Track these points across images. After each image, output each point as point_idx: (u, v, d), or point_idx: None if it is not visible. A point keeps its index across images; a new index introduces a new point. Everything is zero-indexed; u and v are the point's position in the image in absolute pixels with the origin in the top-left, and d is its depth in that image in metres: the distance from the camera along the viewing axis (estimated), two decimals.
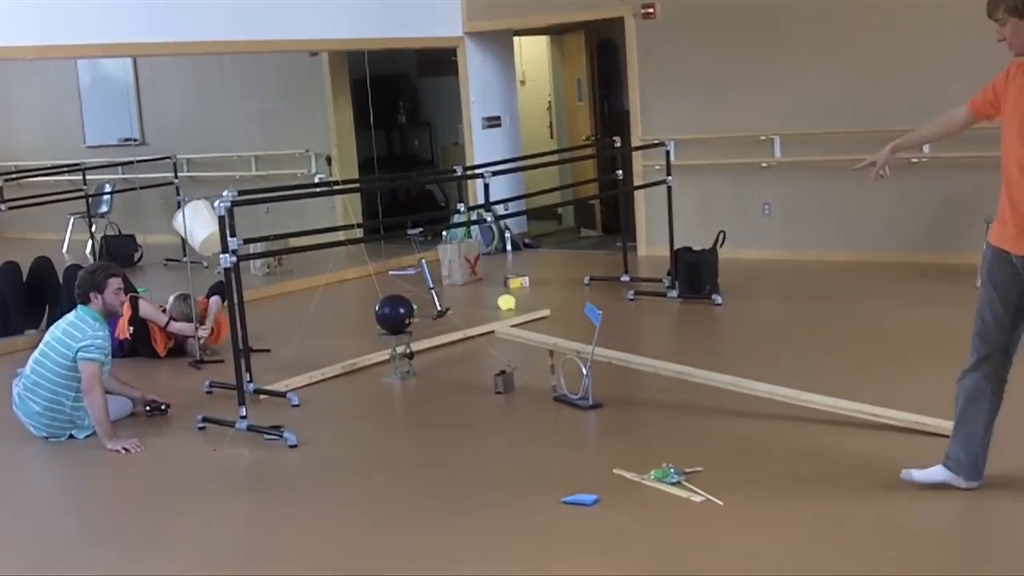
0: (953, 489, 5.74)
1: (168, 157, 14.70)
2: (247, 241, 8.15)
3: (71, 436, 7.93)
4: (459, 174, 11.19)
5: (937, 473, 5.78)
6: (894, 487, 5.84)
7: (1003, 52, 5.35)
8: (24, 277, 11.26)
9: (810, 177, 12.83)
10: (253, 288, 11.56)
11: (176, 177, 14.52)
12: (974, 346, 5.63)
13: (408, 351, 9.04)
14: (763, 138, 13.15)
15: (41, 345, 8.00)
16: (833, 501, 5.87)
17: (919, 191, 11.41)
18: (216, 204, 7.72)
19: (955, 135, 6.03)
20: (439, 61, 16.50)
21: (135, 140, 15.57)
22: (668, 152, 11.62)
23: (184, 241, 10.47)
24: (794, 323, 10.27)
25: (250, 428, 7.68)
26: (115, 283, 8.03)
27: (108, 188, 15.62)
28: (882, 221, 12.17)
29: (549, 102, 18.10)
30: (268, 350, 9.80)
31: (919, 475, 5.81)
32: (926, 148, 5.35)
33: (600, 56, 16.53)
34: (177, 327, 10.10)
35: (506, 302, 11.45)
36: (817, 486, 6.10)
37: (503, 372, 8.42)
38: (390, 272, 12.92)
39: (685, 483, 6.15)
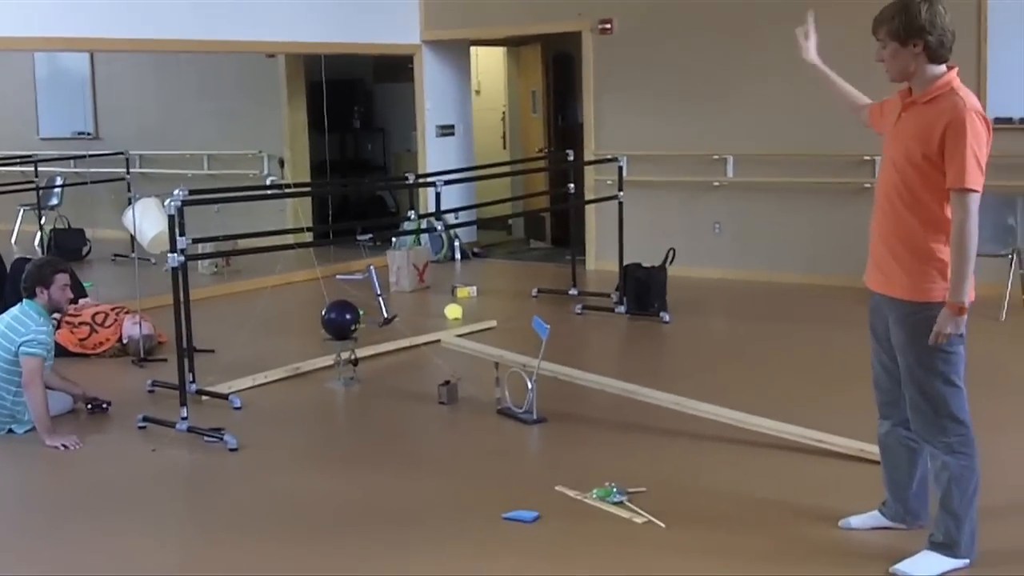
0: None
1: (121, 153, 14.64)
2: (196, 240, 8.14)
3: (10, 431, 7.86)
4: (411, 181, 11.16)
5: (874, 519, 5.75)
6: (837, 515, 5.84)
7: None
8: None
9: (762, 197, 12.88)
10: (199, 287, 11.47)
11: (128, 173, 14.46)
12: (875, 396, 5.61)
13: (353, 357, 9.01)
14: (716, 157, 13.18)
15: None
16: (776, 528, 5.87)
17: (870, 214, 11.42)
18: (166, 203, 7.68)
19: (845, 109, 5.87)
20: (395, 67, 16.46)
21: (89, 134, 15.49)
22: (621, 168, 11.62)
23: (133, 237, 10.43)
24: (741, 344, 10.29)
25: (190, 429, 7.65)
26: (62, 279, 7.99)
27: (59, 181, 15.52)
28: (833, 244, 12.22)
29: (503, 113, 18.11)
30: (212, 351, 9.75)
31: (857, 522, 5.76)
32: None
33: (556, 69, 16.55)
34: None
35: (453, 311, 11.43)
36: (761, 512, 6.10)
37: (447, 382, 8.40)
38: (337, 276, 12.87)
39: (628, 503, 6.14)
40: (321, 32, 13.81)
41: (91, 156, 14.02)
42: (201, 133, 15.87)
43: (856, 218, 11.49)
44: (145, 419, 7.93)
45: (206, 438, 7.54)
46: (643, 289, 11.16)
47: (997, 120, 10.33)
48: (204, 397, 8.53)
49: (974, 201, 4.89)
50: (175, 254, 7.66)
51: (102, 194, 14.37)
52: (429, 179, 11.36)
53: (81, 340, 10.02)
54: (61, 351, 9.19)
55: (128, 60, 15.10)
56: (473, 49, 16.67)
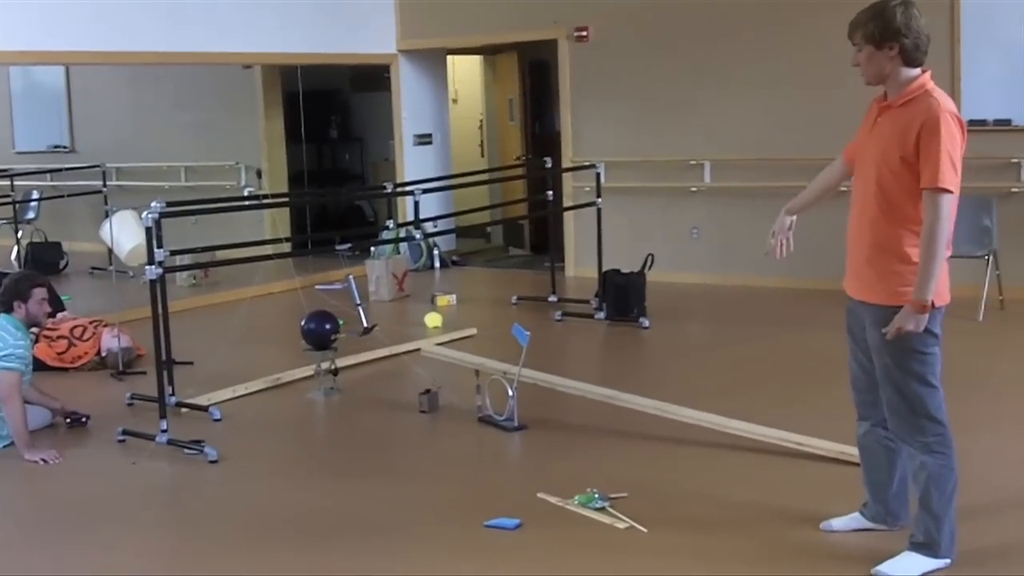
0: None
1: (97, 165, 14.61)
2: (174, 253, 8.12)
3: None
4: (389, 191, 11.16)
5: (855, 521, 5.75)
6: (818, 517, 5.84)
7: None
8: None
9: (739, 202, 12.89)
10: (178, 299, 11.44)
11: (105, 186, 14.44)
12: (853, 396, 5.63)
13: (333, 367, 8.99)
14: (693, 163, 13.20)
15: None
16: (757, 532, 5.87)
17: (848, 219, 11.42)
18: (144, 215, 7.67)
19: (838, 187, 5.91)
20: (372, 77, 16.46)
21: (65, 147, 15.48)
22: (598, 174, 11.63)
23: (110, 250, 10.41)
24: (721, 348, 10.30)
25: (170, 442, 7.61)
26: (40, 293, 7.96)
27: (36, 195, 15.49)
28: (810, 248, 12.15)
29: (481, 121, 18.13)
30: (191, 363, 9.72)
31: (838, 524, 5.77)
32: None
33: (532, 77, 16.60)
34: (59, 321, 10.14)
35: (433, 320, 11.42)
36: (741, 515, 6.11)
37: (428, 391, 8.39)
38: (317, 287, 12.86)
39: (609, 509, 6.13)
40: (297, 43, 13.81)
41: (67, 169, 14.02)
42: (178, 145, 15.84)
43: (833, 222, 11.37)
44: (125, 432, 7.90)
45: (186, 450, 7.52)
46: (622, 295, 11.16)
47: (972, 122, 10.29)
48: (184, 409, 8.50)
49: (947, 201, 4.89)
50: (153, 266, 7.66)
51: (79, 207, 14.36)
52: (407, 188, 11.35)
53: (59, 354, 10.00)
54: (39, 365, 9.13)
55: (104, 73, 15.09)
56: (450, 58, 16.68)
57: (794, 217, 5.88)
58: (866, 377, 5.42)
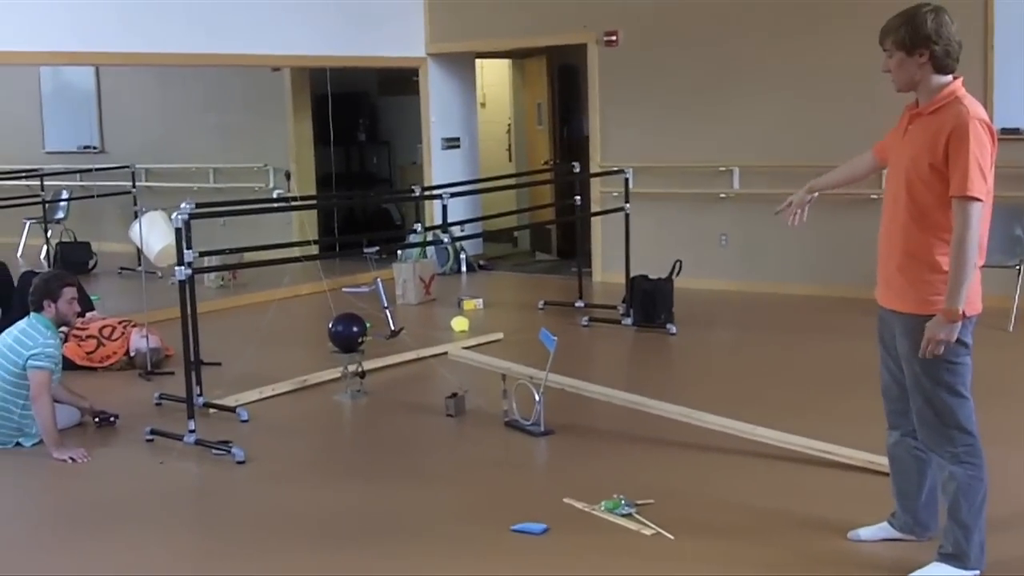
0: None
1: (127, 166, 14.64)
2: (203, 254, 8.14)
3: (18, 444, 7.85)
4: (417, 194, 11.17)
5: (883, 530, 5.73)
6: (846, 527, 5.82)
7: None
8: None
9: (768, 209, 12.78)
10: (206, 301, 11.48)
11: (134, 186, 14.46)
12: (884, 405, 5.59)
13: (360, 370, 9.00)
14: (722, 169, 13.17)
15: None
16: (784, 540, 5.85)
17: (877, 226, 11.36)
18: (173, 216, 7.69)
19: (863, 179, 5.91)
20: (400, 80, 16.47)
21: (94, 148, 15.50)
22: (627, 179, 11.61)
23: (139, 251, 10.43)
24: (748, 355, 10.27)
25: (198, 442, 7.64)
26: (69, 292, 7.98)
27: (65, 194, 15.52)
28: (839, 255, 12.20)
29: (509, 125, 18.11)
30: (219, 364, 9.74)
31: (866, 533, 5.74)
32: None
33: (561, 81, 16.58)
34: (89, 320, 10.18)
35: (459, 324, 11.42)
36: (769, 523, 6.09)
37: (455, 395, 8.39)
38: (344, 289, 12.88)
39: (636, 515, 6.12)
40: (326, 45, 13.84)
41: (97, 170, 14.03)
42: (207, 146, 15.86)
43: (862, 229, 11.43)
44: (152, 432, 7.93)
45: (214, 451, 7.54)
46: (650, 301, 11.14)
47: (1004, 131, 10.31)
48: (211, 410, 8.53)
49: (976, 209, 4.86)
50: (182, 267, 7.67)
51: (108, 207, 14.38)
52: (435, 192, 11.36)
53: (88, 353, 10.03)
54: (68, 364, 9.17)
55: (133, 74, 15.11)
56: (478, 62, 16.70)
57: (815, 194, 5.85)
58: (897, 386, 5.39)
